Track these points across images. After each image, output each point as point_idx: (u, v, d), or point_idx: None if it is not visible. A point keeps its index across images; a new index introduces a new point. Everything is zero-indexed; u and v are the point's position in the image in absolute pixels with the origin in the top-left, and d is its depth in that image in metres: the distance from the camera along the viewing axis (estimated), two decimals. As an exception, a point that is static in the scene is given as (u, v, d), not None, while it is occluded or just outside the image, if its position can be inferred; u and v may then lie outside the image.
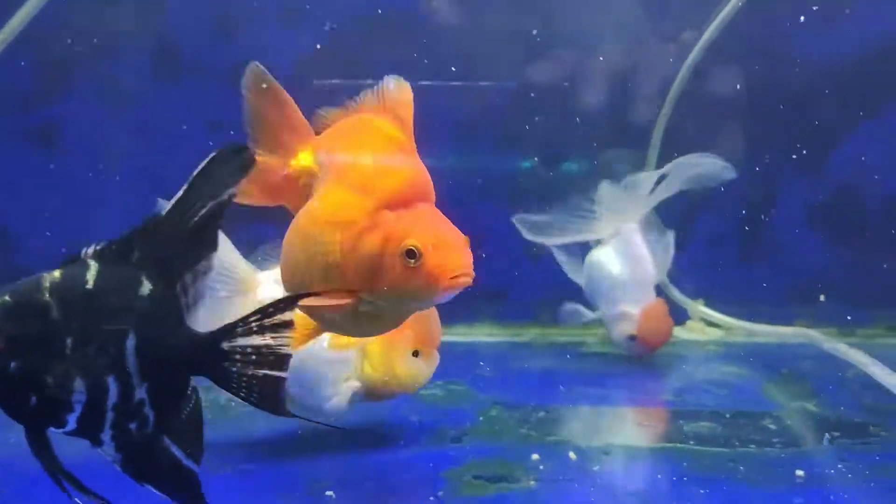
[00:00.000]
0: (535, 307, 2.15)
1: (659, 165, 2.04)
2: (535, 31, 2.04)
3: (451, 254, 0.99)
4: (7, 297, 0.84)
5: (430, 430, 1.45)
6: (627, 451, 1.36)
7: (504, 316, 2.16)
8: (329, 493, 1.17)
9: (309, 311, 1.05)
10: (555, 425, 1.45)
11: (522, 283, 2.13)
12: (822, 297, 2.07)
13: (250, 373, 0.92)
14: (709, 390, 1.68)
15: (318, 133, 1.13)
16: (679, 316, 2.09)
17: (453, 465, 1.27)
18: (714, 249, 2.13)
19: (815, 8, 2.00)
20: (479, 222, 1.91)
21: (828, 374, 1.73)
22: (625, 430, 1.47)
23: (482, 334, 2.12)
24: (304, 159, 1.12)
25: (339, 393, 1.33)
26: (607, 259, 1.88)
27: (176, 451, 0.93)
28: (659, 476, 1.26)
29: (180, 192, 0.90)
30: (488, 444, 1.37)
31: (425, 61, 2.00)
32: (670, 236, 1.92)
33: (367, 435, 1.41)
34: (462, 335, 2.07)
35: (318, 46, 2.02)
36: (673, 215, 2.10)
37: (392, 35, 2.04)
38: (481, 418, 1.48)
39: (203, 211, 0.91)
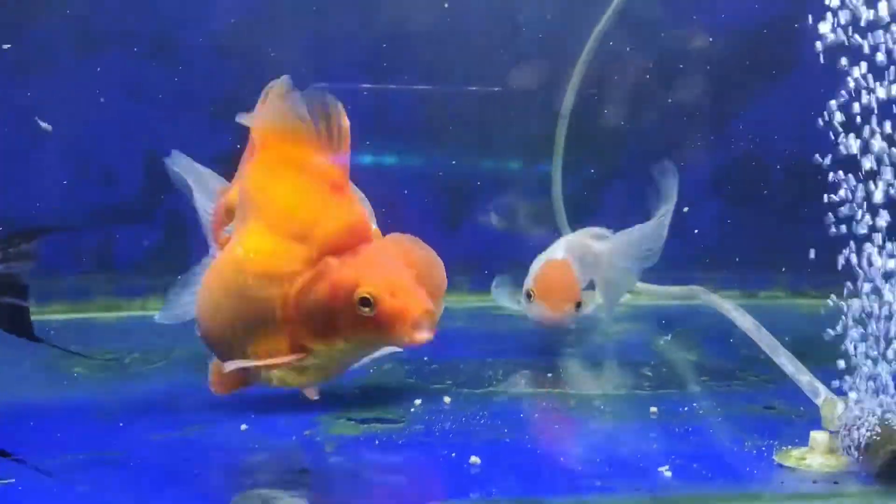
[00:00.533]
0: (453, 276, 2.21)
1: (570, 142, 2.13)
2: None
3: (408, 297, 0.90)
4: None
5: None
6: (501, 396, 1.42)
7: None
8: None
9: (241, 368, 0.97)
10: (441, 375, 1.51)
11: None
12: (724, 261, 2.16)
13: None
14: (601, 345, 1.75)
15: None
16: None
17: (331, 411, 1.33)
18: (623, 216, 2.21)
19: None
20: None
21: (718, 330, 1.80)
22: (505, 380, 1.53)
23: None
24: (228, 197, 1.06)
25: None
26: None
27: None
28: (521, 416, 1.33)
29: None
30: (371, 392, 1.43)
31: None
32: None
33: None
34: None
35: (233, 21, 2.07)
36: (579, 182, 2.18)
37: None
38: (371, 371, 1.54)
39: None
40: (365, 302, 0.89)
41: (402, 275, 0.91)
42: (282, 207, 0.95)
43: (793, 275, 2.18)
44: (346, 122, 0.95)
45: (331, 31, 2.09)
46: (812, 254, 1.18)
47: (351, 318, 0.90)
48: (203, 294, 1.01)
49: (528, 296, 1.68)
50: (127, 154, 2.09)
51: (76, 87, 2.03)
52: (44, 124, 1.92)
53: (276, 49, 2.05)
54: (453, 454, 1.13)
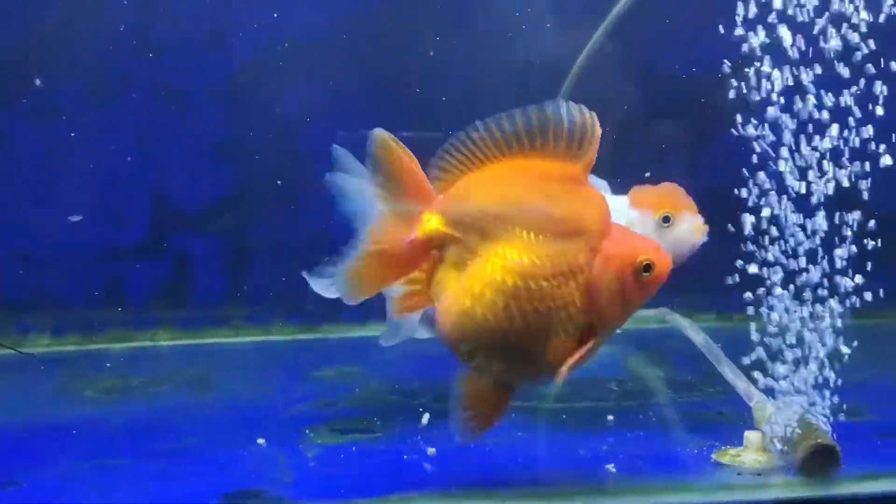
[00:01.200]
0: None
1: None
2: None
3: (661, 254, 1.08)
4: None
5: (308, 401, 1.62)
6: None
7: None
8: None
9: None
10: (423, 394, 1.62)
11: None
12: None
13: None
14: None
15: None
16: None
17: (316, 423, 1.45)
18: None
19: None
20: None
21: (690, 349, 1.91)
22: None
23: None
24: (431, 223, 1.08)
25: None
26: None
27: None
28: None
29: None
30: (356, 407, 1.56)
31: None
32: None
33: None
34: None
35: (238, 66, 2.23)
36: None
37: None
38: (357, 389, 1.66)
39: None
40: (647, 268, 1.06)
41: (648, 239, 1.13)
42: (548, 212, 1.07)
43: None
44: (598, 131, 1.08)
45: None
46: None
47: (638, 285, 1.06)
48: (477, 313, 1.06)
49: (667, 219, 1.43)
50: (136, 196, 2.25)
51: (88, 134, 2.21)
52: (74, 218, 2.10)
53: (274, 95, 2.22)
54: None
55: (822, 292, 1.22)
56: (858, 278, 1.21)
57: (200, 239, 2.28)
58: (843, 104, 1.20)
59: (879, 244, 1.22)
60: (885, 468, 1.18)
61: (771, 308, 1.21)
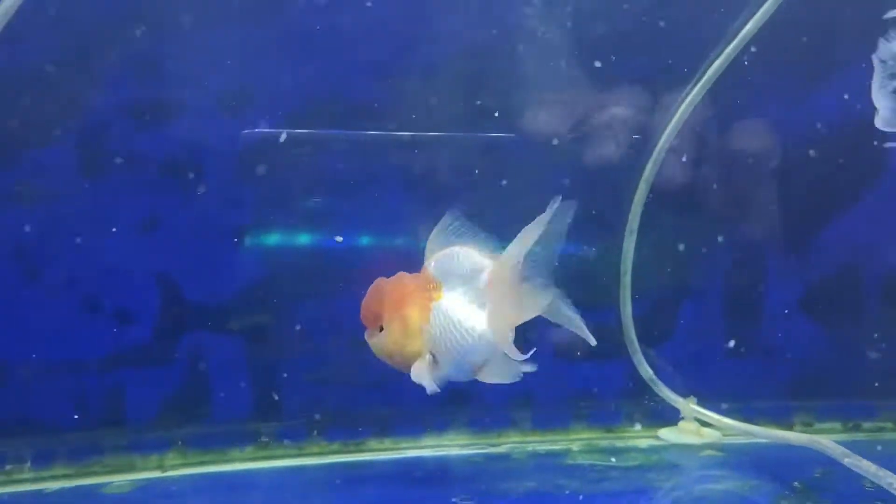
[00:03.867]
0: (512, 411, 1.96)
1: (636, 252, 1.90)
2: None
3: None
4: None
5: None
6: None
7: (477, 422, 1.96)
8: None
9: None
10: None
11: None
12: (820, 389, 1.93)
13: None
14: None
15: None
16: (670, 416, 1.92)
17: None
18: (701, 340, 1.97)
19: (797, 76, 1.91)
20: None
21: (845, 486, 1.56)
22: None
23: (455, 444, 1.91)
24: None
25: None
26: None
27: None
28: None
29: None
30: None
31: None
32: None
33: None
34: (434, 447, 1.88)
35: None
36: (654, 305, 1.95)
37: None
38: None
39: None
40: None
41: None
42: None
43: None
44: None
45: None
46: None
47: None
48: None
49: None
50: (141, 287, 1.83)
51: (85, 213, 1.78)
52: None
53: (293, 175, 1.84)
54: None
55: None
56: None
57: (219, 339, 1.86)
58: None
59: None
60: None
61: None
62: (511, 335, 1.44)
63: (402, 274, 1.50)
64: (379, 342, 1.48)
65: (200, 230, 1.84)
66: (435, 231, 1.52)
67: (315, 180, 1.86)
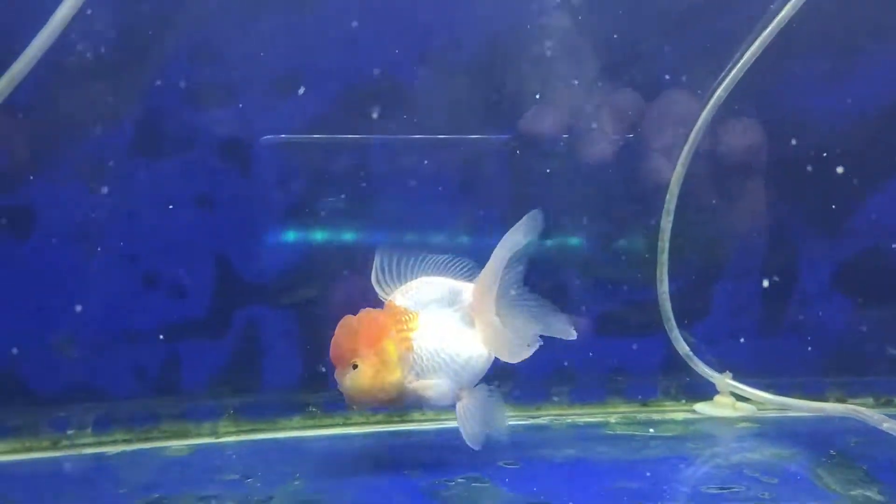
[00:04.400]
0: (550, 385, 2.02)
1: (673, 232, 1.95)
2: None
3: None
4: None
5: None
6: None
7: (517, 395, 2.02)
8: None
9: None
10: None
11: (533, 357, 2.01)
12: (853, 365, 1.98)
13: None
14: (757, 478, 1.54)
15: None
16: (710, 389, 1.98)
17: None
18: (737, 318, 2.02)
19: (829, 62, 1.95)
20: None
21: (881, 454, 1.60)
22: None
23: (496, 416, 1.96)
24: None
25: None
26: None
27: None
28: None
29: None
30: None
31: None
32: None
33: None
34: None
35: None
36: (690, 283, 2.00)
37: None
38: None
39: None
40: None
41: None
42: None
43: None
44: None
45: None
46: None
47: None
48: None
49: None
50: (197, 264, 1.91)
51: (141, 193, 1.86)
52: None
53: (348, 150, 1.90)
54: None
55: None
56: None
57: (269, 313, 1.94)
58: None
59: None
60: None
61: None
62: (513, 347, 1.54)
63: (367, 310, 1.53)
64: (354, 380, 1.48)
65: (253, 209, 1.92)
66: (375, 270, 1.58)
67: (358, 167, 1.93)
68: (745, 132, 1.96)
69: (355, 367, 1.48)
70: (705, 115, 1.92)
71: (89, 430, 1.86)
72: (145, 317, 1.88)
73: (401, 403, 1.54)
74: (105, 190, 1.83)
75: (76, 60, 1.78)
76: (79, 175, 1.82)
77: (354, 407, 1.61)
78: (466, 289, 1.58)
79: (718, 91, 1.92)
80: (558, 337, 1.59)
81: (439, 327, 1.54)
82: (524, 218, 1.54)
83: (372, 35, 1.89)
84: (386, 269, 1.57)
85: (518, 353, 1.56)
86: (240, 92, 1.87)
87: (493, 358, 1.59)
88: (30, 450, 1.82)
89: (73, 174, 1.82)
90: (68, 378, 1.86)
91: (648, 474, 1.56)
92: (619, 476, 1.55)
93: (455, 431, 1.84)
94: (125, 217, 1.85)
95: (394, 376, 1.49)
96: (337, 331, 1.51)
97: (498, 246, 1.54)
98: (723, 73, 1.92)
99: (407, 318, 1.53)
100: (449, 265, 1.60)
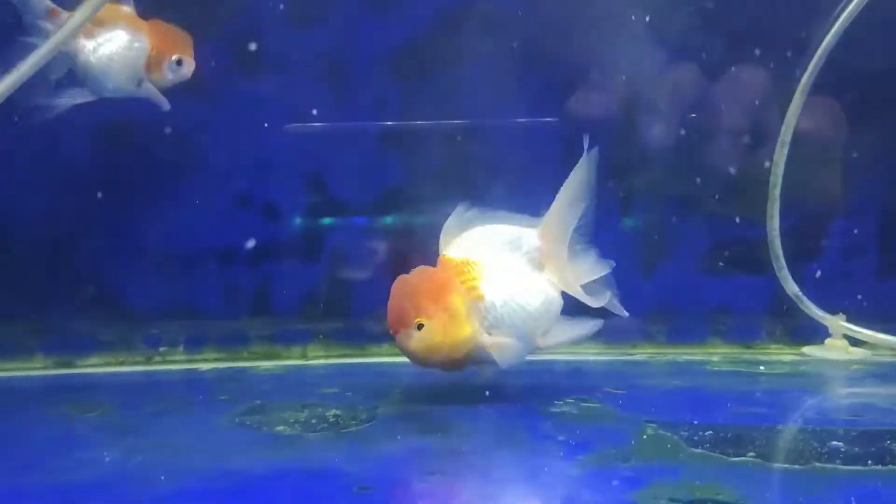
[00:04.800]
0: (646, 324, 1.95)
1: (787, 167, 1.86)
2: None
3: None
4: None
5: (588, 448, 1.22)
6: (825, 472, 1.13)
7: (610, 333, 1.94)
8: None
9: None
10: (734, 444, 1.22)
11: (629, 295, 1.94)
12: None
13: None
14: (888, 409, 1.45)
15: None
16: (818, 334, 1.89)
17: (639, 485, 1.05)
18: (851, 260, 1.92)
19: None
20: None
21: None
22: (825, 450, 1.23)
23: (589, 353, 1.90)
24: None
25: None
26: None
27: None
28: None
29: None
30: (663, 464, 1.15)
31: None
32: None
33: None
34: (567, 353, 1.86)
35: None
36: (806, 223, 1.91)
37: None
38: (645, 436, 1.26)
39: None
40: None
41: None
42: None
43: None
44: None
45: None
46: None
47: None
48: None
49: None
50: (289, 184, 1.88)
51: (233, 111, 1.83)
52: None
53: (446, 75, 1.85)
54: None
55: None
56: None
57: (361, 238, 1.90)
58: None
59: None
60: None
61: None
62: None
63: (420, 268, 1.44)
64: (422, 340, 1.36)
65: (348, 131, 1.88)
66: (449, 221, 1.48)
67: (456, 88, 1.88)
68: (867, 60, 1.85)
69: (420, 327, 1.36)
70: (828, 39, 1.82)
71: (181, 348, 1.85)
72: (237, 237, 1.86)
73: (473, 360, 1.43)
74: (203, 108, 1.81)
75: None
76: (178, 91, 1.80)
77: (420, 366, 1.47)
78: (528, 233, 1.48)
79: (842, 16, 1.82)
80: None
81: (506, 274, 1.44)
82: (582, 158, 1.45)
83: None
84: (456, 224, 1.48)
85: (599, 297, 1.47)
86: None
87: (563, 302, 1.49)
88: (123, 363, 1.82)
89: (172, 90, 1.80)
90: (162, 296, 1.85)
91: (766, 403, 1.49)
92: (735, 402, 1.48)
93: (550, 363, 1.80)
94: (223, 136, 1.83)
95: (465, 331, 1.37)
96: (393, 291, 1.40)
97: (562, 188, 1.46)
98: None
99: (469, 268, 1.42)
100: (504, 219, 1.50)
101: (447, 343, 1.37)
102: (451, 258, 1.44)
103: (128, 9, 1.59)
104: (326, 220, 1.90)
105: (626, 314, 1.49)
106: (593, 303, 1.47)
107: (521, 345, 1.42)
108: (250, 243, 1.85)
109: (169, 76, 1.62)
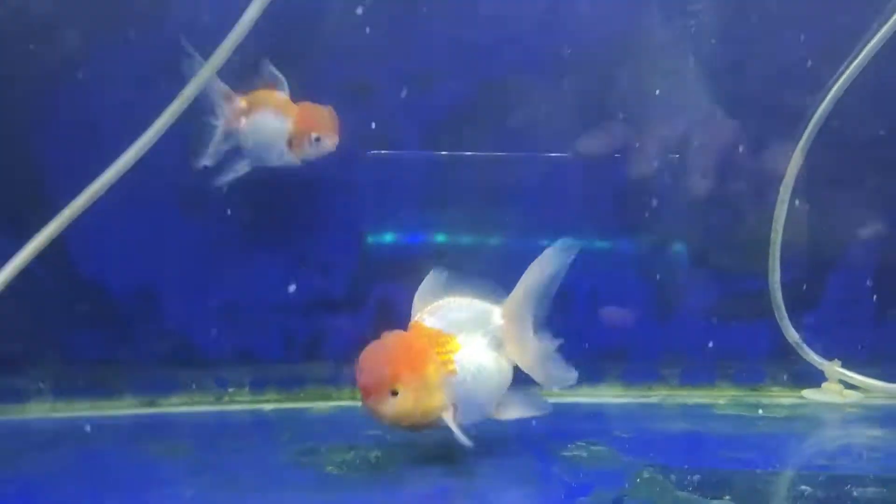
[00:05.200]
0: (661, 367, 2.15)
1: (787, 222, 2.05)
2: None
3: None
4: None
5: (587, 490, 1.44)
6: None
7: (629, 376, 2.16)
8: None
9: None
10: (715, 488, 1.42)
11: (646, 341, 2.14)
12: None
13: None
14: (862, 454, 1.63)
15: None
16: (814, 378, 2.06)
17: (622, 527, 1.27)
18: (847, 307, 2.09)
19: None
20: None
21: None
22: (792, 494, 1.42)
23: (609, 395, 2.11)
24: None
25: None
26: None
27: None
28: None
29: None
30: (651, 505, 1.36)
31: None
32: None
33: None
34: (590, 396, 2.08)
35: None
36: (802, 270, 2.08)
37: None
38: (639, 479, 1.47)
39: None
40: None
41: None
42: None
43: None
44: None
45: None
46: None
47: None
48: None
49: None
50: (344, 243, 2.13)
51: (297, 184, 2.09)
52: None
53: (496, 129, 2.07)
54: None
55: None
56: None
57: (404, 291, 2.14)
58: None
59: None
60: None
61: None
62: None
63: (397, 333, 1.50)
64: (394, 406, 1.42)
65: (388, 195, 2.12)
66: (423, 286, 1.56)
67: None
68: (861, 126, 2.02)
69: (395, 393, 1.41)
70: (824, 106, 2.00)
71: (246, 389, 2.12)
72: (295, 292, 2.12)
73: (434, 426, 1.49)
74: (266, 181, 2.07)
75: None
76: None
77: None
78: (494, 311, 1.56)
79: (837, 84, 2.00)
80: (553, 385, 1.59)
81: (475, 350, 1.51)
82: (556, 244, 1.52)
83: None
84: (429, 290, 1.55)
85: (557, 378, 1.55)
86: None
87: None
88: (197, 403, 2.09)
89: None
90: (230, 343, 2.12)
91: (755, 446, 1.68)
92: (727, 447, 1.68)
93: (572, 405, 2.00)
94: (283, 201, 2.09)
95: (436, 402, 1.45)
96: (367, 356, 1.45)
97: (529, 269, 1.53)
98: (842, 67, 2.00)
99: (444, 339, 1.49)
100: (475, 287, 1.57)
101: (418, 411, 1.43)
102: (425, 327, 1.50)
103: (282, 94, 1.86)
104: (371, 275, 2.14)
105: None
106: (550, 385, 1.59)
107: (478, 412, 1.52)
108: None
109: (309, 150, 1.85)
